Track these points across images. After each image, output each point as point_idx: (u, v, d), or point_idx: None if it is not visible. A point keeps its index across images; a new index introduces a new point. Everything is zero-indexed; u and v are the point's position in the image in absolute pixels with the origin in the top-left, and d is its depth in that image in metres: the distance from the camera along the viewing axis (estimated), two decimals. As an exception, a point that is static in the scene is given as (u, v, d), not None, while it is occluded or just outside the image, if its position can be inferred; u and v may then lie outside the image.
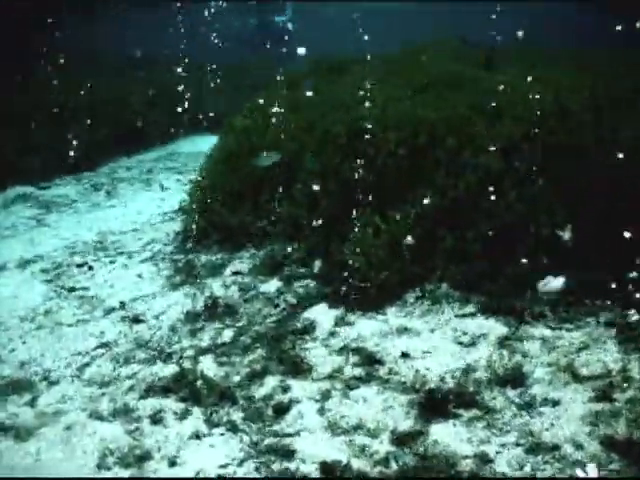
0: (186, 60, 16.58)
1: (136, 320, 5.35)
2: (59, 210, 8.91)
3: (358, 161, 5.97)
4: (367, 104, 6.52)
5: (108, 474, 3.59)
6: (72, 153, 10.57)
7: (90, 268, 6.65)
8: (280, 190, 6.55)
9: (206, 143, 12.16)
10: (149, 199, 8.99)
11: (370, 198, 5.76)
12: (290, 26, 25.85)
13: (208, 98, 13.91)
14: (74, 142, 10.61)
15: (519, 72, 7.53)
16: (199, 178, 7.20)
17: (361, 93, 6.89)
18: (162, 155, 11.76)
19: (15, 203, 9.29)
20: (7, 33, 14.92)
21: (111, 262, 6.75)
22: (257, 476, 3.48)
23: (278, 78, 8.24)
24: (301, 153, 6.56)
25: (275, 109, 7.32)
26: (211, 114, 13.13)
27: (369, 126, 6.14)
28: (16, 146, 10.12)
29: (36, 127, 10.59)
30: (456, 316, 4.88)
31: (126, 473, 3.58)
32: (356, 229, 5.52)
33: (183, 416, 4.05)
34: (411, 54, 9.75)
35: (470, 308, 4.95)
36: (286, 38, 24.35)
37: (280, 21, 25.65)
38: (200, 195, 6.87)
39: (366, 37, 7.07)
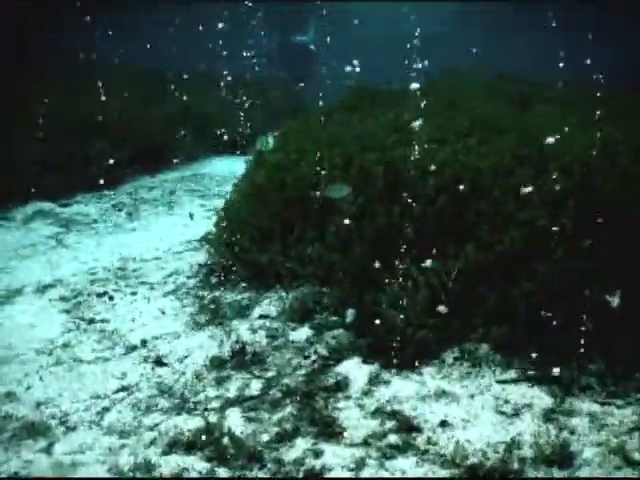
0: (207, 76, 16.54)
1: (159, 362, 5.12)
2: (79, 230, 8.72)
3: (396, 206, 5.72)
4: (407, 145, 6.30)
5: None
6: (94, 170, 10.37)
7: (111, 298, 6.43)
8: (312, 230, 6.30)
9: (228, 165, 12.06)
10: (172, 224, 8.79)
11: (408, 247, 5.49)
12: (313, 47, 25.42)
13: (231, 118, 13.72)
14: (97, 159, 10.42)
15: (559, 114, 7.34)
16: (224, 211, 6.96)
17: (400, 129, 6.70)
18: (185, 176, 11.58)
19: (35, 219, 9.13)
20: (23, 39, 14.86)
21: (132, 293, 6.53)
22: None
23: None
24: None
25: (308, 144, 7.11)
26: (234, 134, 12.99)
27: (409, 170, 5.90)
28: (38, 161, 9.89)
29: (59, 142, 10.39)
30: (497, 381, 4.63)
31: None
32: (392, 280, 5.26)
33: (208, 478, 3.80)
34: (447, 87, 9.53)
35: (512, 374, 4.70)
36: (307, 59, 24.08)
37: (301, 41, 25.16)
38: (227, 229, 6.63)
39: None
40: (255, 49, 23.91)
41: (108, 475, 3.92)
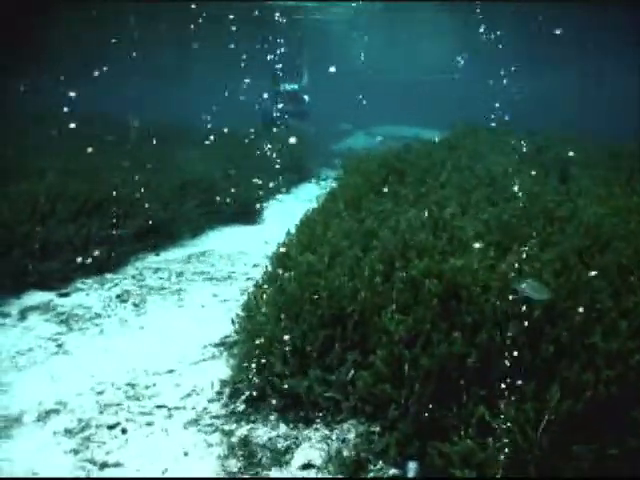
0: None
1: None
2: (82, 328, 7.87)
3: (457, 332, 4.91)
4: (454, 247, 5.52)
5: None
6: (95, 252, 9.57)
7: (123, 431, 5.57)
8: (352, 349, 5.49)
9: (235, 239, 11.28)
10: (182, 319, 7.97)
11: (475, 383, 4.68)
12: (305, 96, 24.27)
13: (229, 184, 13.07)
14: (97, 238, 9.63)
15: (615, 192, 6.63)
16: (247, 321, 6.16)
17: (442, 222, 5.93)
18: (193, 254, 10.77)
19: (32, 314, 8.26)
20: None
21: (148, 424, 5.68)
22: None
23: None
24: (378, 307, 5.52)
25: (340, 239, 6.33)
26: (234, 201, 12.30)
27: (469, 287, 5.11)
28: (34, 243, 9.08)
29: (57, 222, 9.60)
30: None
31: None
32: (460, 425, 4.43)
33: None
34: (473, 154, 8.82)
35: None
36: (298, 109, 22.98)
37: (292, 90, 23.93)
38: (252, 343, 5.82)
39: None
40: (244, 99, 23.06)
41: None
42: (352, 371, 5.40)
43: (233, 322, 6.53)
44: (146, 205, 10.76)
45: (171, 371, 6.66)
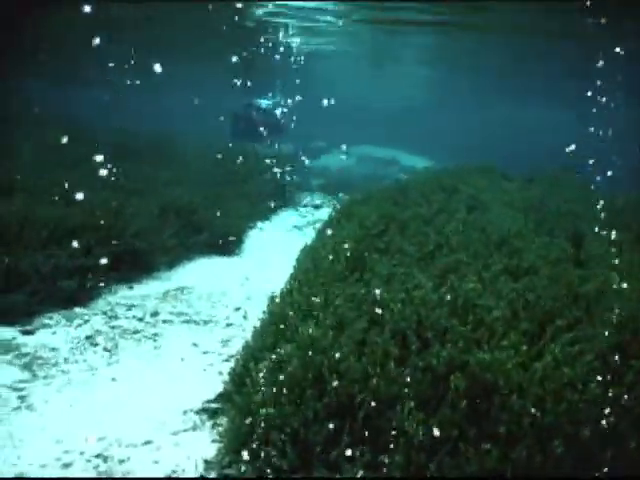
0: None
1: None
2: (47, 376, 7.14)
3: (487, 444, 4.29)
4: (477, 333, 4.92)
5: None
6: (63, 282, 8.78)
7: (92, 526, 4.81)
8: (361, 445, 4.84)
9: (215, 272, 10.62)
10: (159, 374, 7.28)
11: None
12: (277, 112, 23.66)
13: (206, 209, 12.34)
14: (66, 268, 8.85)
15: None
16: (237, 395, 5.50)
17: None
18: (169, 290, 10.04)
19: (-9, 355, 7.44)
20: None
21: (123, 517, 4.92)
22: None
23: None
24: (392, 399, 4.90)
25: (347, 309, 5.70)
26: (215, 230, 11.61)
27: (500, 388, 4.50)
28: (1, 276, 8.28)
29: (24, 250, 8.79)
30: None
31: None
32: None
33: None
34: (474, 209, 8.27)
35: None
36: (271, 127, 22.33)
37: (264, 105, 23.28)
38: (243, 426, 5.16)
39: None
40: (212, 115, 22.29)
41: None
42: (361, 472, 4.73)
43: (220, 395, 5.83)
44: (122, 232, 9.96)
45: (148, 442, 5.96)
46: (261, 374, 5.50)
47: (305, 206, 18.50)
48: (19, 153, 12.44)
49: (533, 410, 4.42)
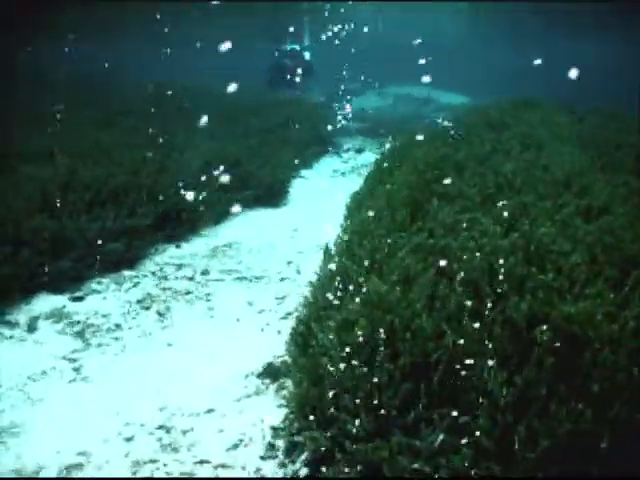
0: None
1: None
2: (100, 344, 6.91)
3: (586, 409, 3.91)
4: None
5: None
6: (110, 245, 8.52)
7: (162, 502, 4.58)
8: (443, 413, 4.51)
9: (263, 225, 10.33)
10: (215, 336, 7.03)
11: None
12: (307, 55, 24.01)
13: (249, 159, 11.92)
14: (111, 231, 8.57)
15: None
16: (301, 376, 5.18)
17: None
18: (218, 246, 9.74)
19: (43, 323, 7.26)
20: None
21: (193, 496, 4.68)
22: None
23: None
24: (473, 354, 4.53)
25: (413, 259, 5.30)
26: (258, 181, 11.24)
27: (593, 342, 4.10)
28: (47, 240, 8.03)
29: (68, 214, 8.52)
30: None
31: None
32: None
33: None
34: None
35: None
36: (302, 70, 22.58)
37: (293, 49, 23.54)
38: (310, 391, 4.85)
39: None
40: (245, 59, 22.26)
41: None
42: (441, 436, 4.39)
43: (281, 357, 5.52)
44: (166, 190, 9.64)
45: (211, 411, 5.70)
46: (327, 334, 5.14)
47: (347, 150, 18.01)
48: (52, 116, 12.08)
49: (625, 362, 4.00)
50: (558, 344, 4.34)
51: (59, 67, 18.89)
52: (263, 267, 8.90)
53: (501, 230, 5.82)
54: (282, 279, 8.48)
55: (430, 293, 5.18)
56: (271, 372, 6.16)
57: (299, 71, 23.11)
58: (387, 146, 12.08)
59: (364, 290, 5.33)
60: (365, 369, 4.79)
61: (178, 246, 9.69)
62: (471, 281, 5.21)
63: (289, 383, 5.86)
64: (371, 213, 6.85)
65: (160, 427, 5.50)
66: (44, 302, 7.72)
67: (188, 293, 8.04)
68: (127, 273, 8.68)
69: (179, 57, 25.87)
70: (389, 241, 5.85)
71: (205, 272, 8.71)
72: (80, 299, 7.90)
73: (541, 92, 16.43)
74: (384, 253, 5.71)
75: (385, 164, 9.38)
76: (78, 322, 7.38)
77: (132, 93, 16.91)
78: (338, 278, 5.86)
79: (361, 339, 4.91)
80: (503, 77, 33.07)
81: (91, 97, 16.04)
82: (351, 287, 5.54)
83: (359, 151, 17.89)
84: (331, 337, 5.12)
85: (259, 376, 6.16)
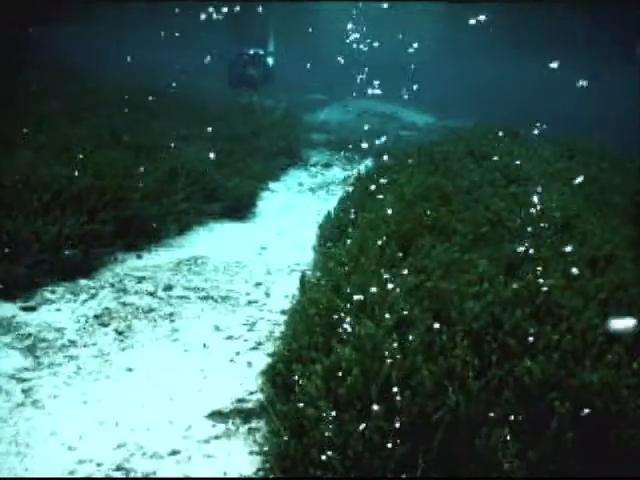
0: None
1: None
2: (53, 364, 6.31)
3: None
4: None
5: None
6: (66, 251, 7.89)
7: None
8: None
9: (229, 240, 9.83)
10: (180, 363, 6.48)
11: None
12: (270, 61, 23.79)
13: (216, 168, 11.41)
14: (69, 236, 7.95)
15: None
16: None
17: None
18: (182, 259, 9.17)
19: (-10, 335, 6.59)
20: None
21: None
22: None
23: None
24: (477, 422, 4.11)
25: (403, 301, 4.89)
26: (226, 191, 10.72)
27: None
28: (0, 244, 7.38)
29: (24, 215, 7.87)
30: None
31: None
32: None
33: None
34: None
35: None
36: (263, 75, 22.36)
37: (255, 53, 23.26)
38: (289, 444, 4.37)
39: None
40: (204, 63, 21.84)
41: None
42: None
43: (252, 393, 5.02)
44: (130, 195, 9.03)
45: (175, 452, 5.14)
46: (314, 381, 4.65)
47: (315, 165, 17.57)
48: (24, 104, 11.33)
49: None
50: (578, 417, 3.92)
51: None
52: (230, 287, 8.38)
53: (502, 276, 5.41)
54: (250, 302, 7.98)
55: (428, 341, 4.73)
56: (242, 411, 5.64)
57: (254, 74, 22.80)
58: (359, 167, 11.67)
59: (353, 332, 4.85)
60: (356, 425, 4.29)
61: (139, 256, 9.10)
62: (472, 332, 4.78)
63: (261, 425, 5.36)
64: (354, 243, 6.38)
65: (118, 468, 4.93)
66: (-9, 310, 7.03)
67: (150, 311, 7.47)
68: (84, 282, 8.07)
69: (143, 55, 25.17)
70: (384, 277, 5.38)
71: (168, 288, 8.14)
72: (32, 309, 7.28)
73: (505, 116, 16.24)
74: (376, 292, 5.23)
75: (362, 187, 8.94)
76: (29, 335, 6.75)
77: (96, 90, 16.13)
78: (319, 312, 5.38)
79: (351, 391, 4.42)
80: (471, 95, 32.98)
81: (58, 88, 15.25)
82: (345, 326, 5.05)
83: (327, 166, 17.48)
84: (317, 384, 4.63)
85: (228, 415, 5.63)
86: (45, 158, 9.09)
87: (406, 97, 26.70)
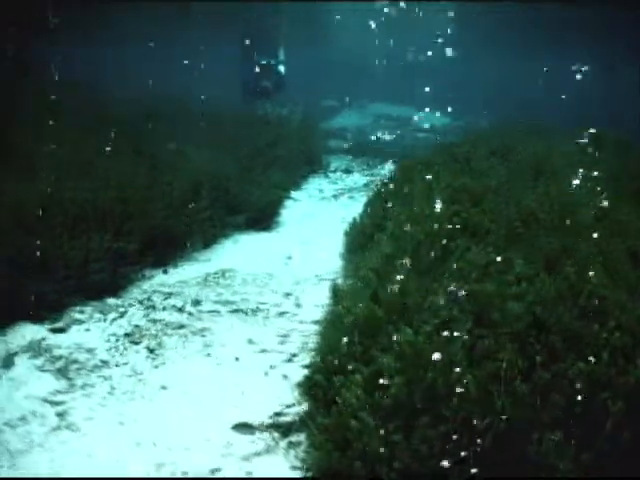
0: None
1: None
2: (86, 385, 6.22)
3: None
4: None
5: None
6: (94, 271, 7.81)
7: None
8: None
9: (256, 251, 9.74)
10: (214, 378, 6.36)
11: None
12: (282, 69, 23.76)
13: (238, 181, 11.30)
14: (96, 256, 7.87)
15: None
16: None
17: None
18: (210, 273, 9.08)
19: (21, 359, 6.53)
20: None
21: None
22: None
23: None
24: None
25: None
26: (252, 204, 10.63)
27: None
28: (27, 264, 7.31)
29: (49, 232, 7.81)
30: None
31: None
32: None
33: None
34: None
35: None
36: (274, 85, 22.34)
37: (267, 63, 23.24)
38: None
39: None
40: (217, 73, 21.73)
41: None
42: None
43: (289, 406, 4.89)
44: (154, 210, 8.96)
45: (216, 470, 5.01)
46: (354, 391, 4.52)
47: (334, 171, 17.49)
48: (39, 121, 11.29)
49: None
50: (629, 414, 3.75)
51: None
52: (260, 298, 8.28)
53: (542, 275, 5.25)
54: (281, 313, 7.86)
55: (470, 345, 4.58)
56: (280, 425, 5.51)
57: (269, 85, 22.79)
58: (380, 172, 11.57)
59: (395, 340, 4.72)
60: (401, 436, 4.16)
61: (165, 272, 9.03)
62: (515, 334, 4.62)
63: (301, 439, 5.24)
64: (387, 250, 6.25)
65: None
66: (21, 333, 7.00)
67: (181, 327, 7.38)
68: (112, 301, 8.01)
69: (157, 65, 25.18)
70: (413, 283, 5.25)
71: (197, 302, 8.05)
72: (61, 330, 7.21)
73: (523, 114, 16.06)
74: (415, 298, 5.10)
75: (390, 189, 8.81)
76: (60, 357, 6.68)
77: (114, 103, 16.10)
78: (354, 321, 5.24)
79: (395, 401, 4.28)
80: (485, 94, 32.65)
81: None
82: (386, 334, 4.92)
83: (347, 172, 17.39)
84: (359, 394, 4.49)
85: (267, 429, 5.50)
86: (66, 172, 8.99)
87: (420, 99, 26.63)
